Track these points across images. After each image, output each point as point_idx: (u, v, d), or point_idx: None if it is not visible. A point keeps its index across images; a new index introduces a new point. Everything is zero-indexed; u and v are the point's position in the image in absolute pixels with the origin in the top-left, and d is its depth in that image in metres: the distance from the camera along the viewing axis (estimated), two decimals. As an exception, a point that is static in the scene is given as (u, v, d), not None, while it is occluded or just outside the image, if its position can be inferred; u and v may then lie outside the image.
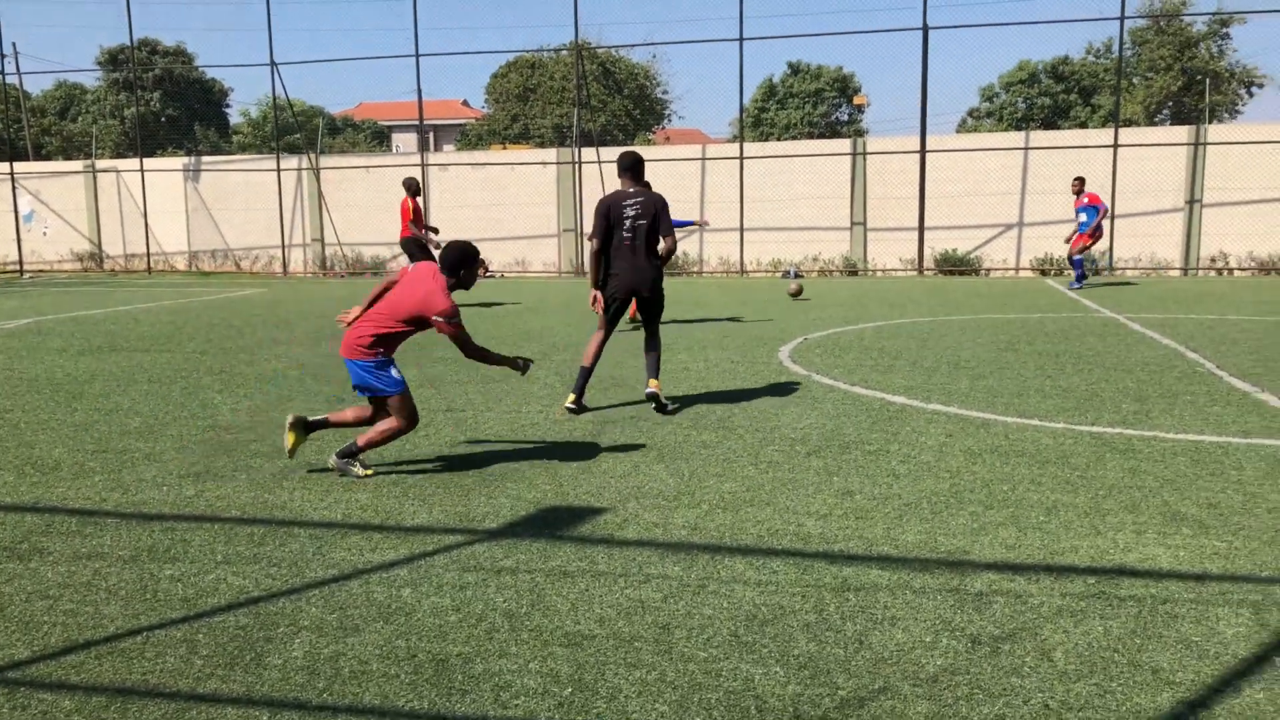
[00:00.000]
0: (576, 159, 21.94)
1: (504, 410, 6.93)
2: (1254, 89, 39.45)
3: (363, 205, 23.26)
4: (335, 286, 20.00)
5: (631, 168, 6.79)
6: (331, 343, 10.48)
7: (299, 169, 23.74)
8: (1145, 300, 14.43)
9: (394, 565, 3.95)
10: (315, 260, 23.88)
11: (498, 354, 5.28)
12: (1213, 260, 19.69)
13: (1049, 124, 41.02)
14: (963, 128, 45.32)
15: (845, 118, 48.06)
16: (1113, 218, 19.10)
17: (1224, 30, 37.49)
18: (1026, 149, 20.50)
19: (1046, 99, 43.10)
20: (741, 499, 4.78)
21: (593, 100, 36.58)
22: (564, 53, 37.64)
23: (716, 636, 3.27)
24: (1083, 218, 16.32)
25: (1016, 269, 20.34)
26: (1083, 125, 39.09)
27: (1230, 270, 19.59)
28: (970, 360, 8.87)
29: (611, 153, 23.05)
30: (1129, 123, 33.08)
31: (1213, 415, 6.51)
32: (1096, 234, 16.44)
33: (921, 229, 20.18)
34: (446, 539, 4.26)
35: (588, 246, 6.98)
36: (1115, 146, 19.32)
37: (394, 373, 5.21)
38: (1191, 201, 19.60)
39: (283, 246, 23.50)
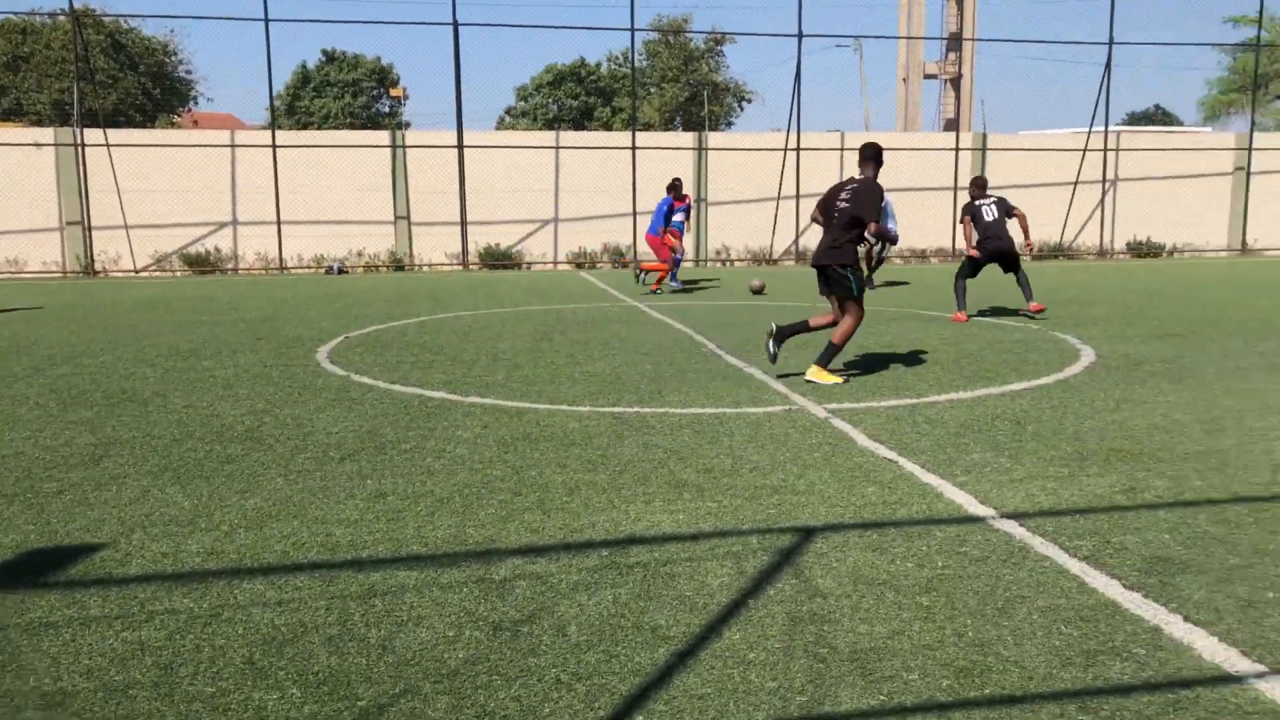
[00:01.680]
0: (79, 140, 19.37)
1: (-21, 438, 5.91)
2: (744, 102, 45.42)
3: None
4: None
5: (874, 158, 7.49)
6: None
7: None
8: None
9: None
10: None
11: None
12: (718, 252, 22.32)
13: (578, 125, 43.86)
14: (501, 125, 46.96)
15: (387, 110, 47.59)
16: (634, 215, 20.90)
17: (719, 48, 42.62)
18: (558, 148, 21.71)
19: (573, 101, 46.04)
20: (267, 514, 4.52)
21: (100, 75, 32.57)
22: (61, 18, 33.12)
23: (228, 668, 3.05)
24: (679, 217, 16.86)
25: (555, 263, 21.50)
26: (607, 127, 42.31)
27: (732, 261, 22.34)
28: (508, 351, 9.20)
29: (125, 135, 20.64)
30: (647, 127, 36.34)
31: (713, 390, 7.36)
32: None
33: (464, 224, 20.57)
34: (-112, 603, 3.53)
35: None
36: (634, 149, 21.12)
37: None
38: (699, 200, 22.03)
39: None
